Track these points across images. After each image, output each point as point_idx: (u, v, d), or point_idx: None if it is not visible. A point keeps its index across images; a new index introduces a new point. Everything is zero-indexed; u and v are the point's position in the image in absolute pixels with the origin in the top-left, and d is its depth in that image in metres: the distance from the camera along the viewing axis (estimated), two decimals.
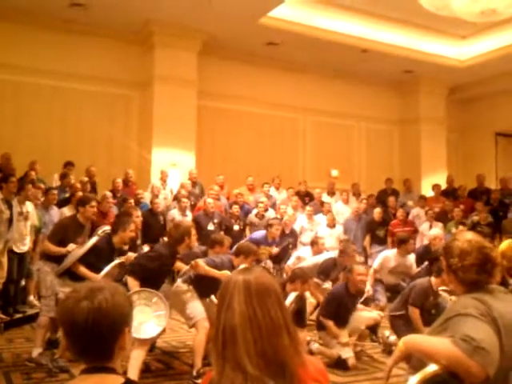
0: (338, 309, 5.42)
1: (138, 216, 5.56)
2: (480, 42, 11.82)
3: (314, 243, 7.64)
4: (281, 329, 1.53)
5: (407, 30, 11.51)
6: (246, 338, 1.49)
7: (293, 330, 1.58)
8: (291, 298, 5.07)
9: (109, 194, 8.06)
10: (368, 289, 6.50)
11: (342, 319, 5.45)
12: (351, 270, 5.48)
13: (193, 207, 9.07)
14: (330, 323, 5.36)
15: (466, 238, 2.27)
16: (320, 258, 7.09)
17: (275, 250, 7.83)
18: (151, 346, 5.11)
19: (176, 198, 9.07)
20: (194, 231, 5.34)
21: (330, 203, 10.12)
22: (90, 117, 10.42)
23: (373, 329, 5.78)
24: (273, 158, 11.94)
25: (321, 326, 5.52)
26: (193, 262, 4.93)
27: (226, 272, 4.76)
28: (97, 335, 1.50)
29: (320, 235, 8.40)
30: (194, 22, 10.15)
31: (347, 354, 5.21)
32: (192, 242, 5.21)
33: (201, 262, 4.95)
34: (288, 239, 8.23)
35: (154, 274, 4.78)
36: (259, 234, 8.04)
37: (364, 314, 5.66)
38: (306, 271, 5.61)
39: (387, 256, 7.13)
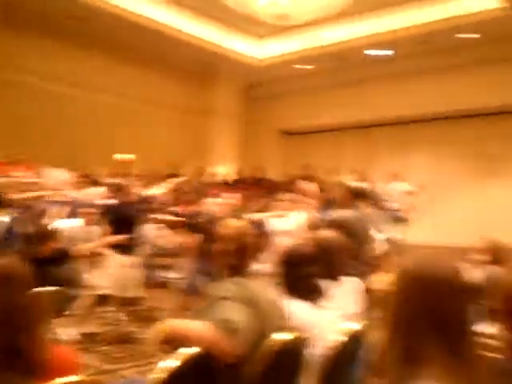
0: None
1: None
2: (276, 43, 12.58)
3: None
4: (23, 319, 1.44)
5: (210, 24, 11.75)
6: None
7: (37, 320, 1.49)
8: None
9: None
10: None
11: None
12: None
13: None
14: None
15: (230, 224, 2.40)
16: None
17: None
18: None
19: None
20: None
21: None
22: None
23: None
24: (65, 139, 11.21)
25: None
26: None
27: None
28: None
29: None
30: None
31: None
32: None
33: None
34: None
35: None
36: None
37: None
38: None
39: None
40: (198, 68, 13.34)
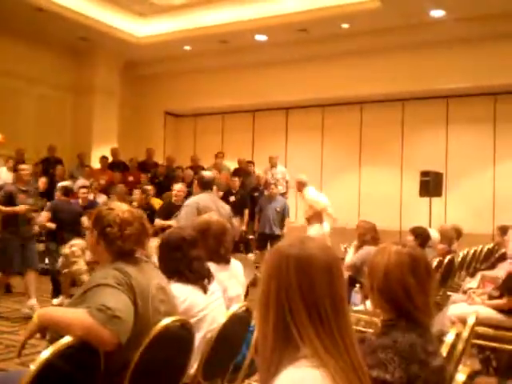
0: None
1: None
2: (157, 22, 12.25)
3: None
4: None
5: None
6: None
7: None
8: None
9: None
10: None
11: None
12: None
13: None
14: None
15: (125, 208, 2.28)
16: None
17: None
18: None
19: None
20: None
21: None
22: None
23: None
24: None
25: None
26: None
27: None
28: None
29: None
30: None
31: None
32: None
33: None
34: None
35: None
36: None
37: None
38: None
39: None
40: (76, 43, 12.60)
